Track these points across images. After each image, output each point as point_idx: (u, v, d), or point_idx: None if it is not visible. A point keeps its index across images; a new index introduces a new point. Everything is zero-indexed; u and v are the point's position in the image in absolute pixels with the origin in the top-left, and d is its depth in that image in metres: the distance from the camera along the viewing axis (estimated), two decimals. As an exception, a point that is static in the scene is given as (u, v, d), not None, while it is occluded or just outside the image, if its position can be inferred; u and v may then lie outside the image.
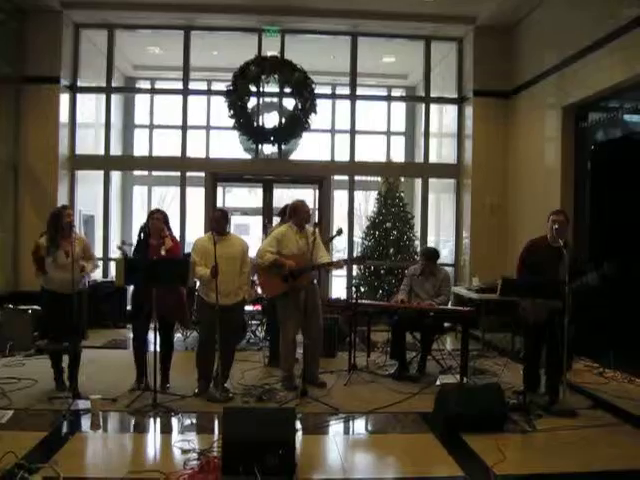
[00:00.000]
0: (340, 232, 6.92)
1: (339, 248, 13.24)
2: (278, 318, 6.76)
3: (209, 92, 12.47)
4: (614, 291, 6.87)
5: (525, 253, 6.29)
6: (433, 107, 11.85)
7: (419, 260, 7.84)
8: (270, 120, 11.18)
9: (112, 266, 10.99)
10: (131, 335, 6.95)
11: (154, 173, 13.13)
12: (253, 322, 9.39)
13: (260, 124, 11.10)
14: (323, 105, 11.58)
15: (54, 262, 6.06)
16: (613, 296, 7.05)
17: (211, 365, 6.29)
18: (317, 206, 11.64)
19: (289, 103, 11.17)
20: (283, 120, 11.10)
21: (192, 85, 11.48)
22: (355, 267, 11.37)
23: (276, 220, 9.24)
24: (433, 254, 7.52)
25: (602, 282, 5.76)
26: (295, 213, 6.65)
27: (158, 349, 6.06)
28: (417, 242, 11.40)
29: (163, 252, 6.14)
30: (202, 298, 6.34)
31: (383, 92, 13.73)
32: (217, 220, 6.30)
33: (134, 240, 6.66)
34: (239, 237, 6.59)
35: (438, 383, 6.62)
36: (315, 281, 6.80)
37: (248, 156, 11.67)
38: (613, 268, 5.61)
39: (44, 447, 4.70)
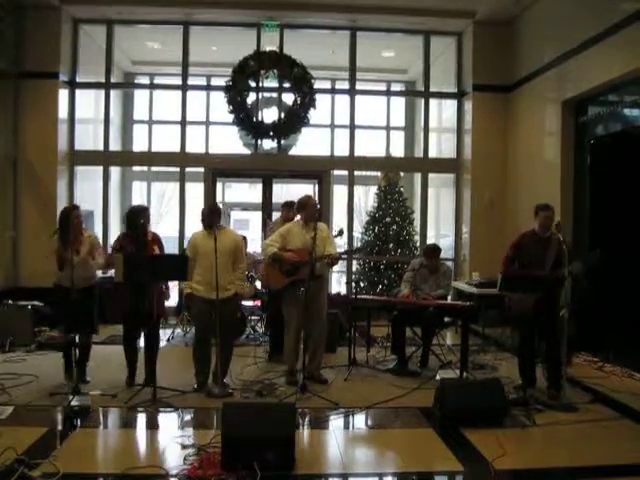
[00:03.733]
0: (341, 233, 6.91)
1: (339, 243, 13.22)
2: (283, 312, 6.77)
3: (208, 87, 12.43)
4: (614, 285, 6.88)
5: (513, 247, 6.34)
6: (432, 102, 11.83)
7: (421, 256, 7.80)
8: (269, 115, 11.16)
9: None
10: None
11: (153, 168, 13.07)
12: (253, 317, 9.38)
13: (259, 119, 11.09)
14: (322, 100, 11.54)
15: (65, 260, 6.09)
16: (613, 290, 7.06)
17: (208, 360, 6.31)
18: (317, 201, 11.61)
19: (288, 98, 11.15)
20: (282, 115, 11.08)
21: (191, 80, 11.45)
22: (355, 262, 11.37)
23: (275, 215, 9.24)
24: (433, 250, 7.51)
25: (587, 270, 5.83)
26: (304, 208, 6.67)
27: (144, 345, 6.09)
28: (417, 237, 11.40)
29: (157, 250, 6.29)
30: (192, 293, 6.34)
31: (382, 87, 13.65)
32: (207, 214, 6.36)
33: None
34: (234, 232, 6.62)
35: (438, 378, 6.60)
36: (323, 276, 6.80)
37: (247, 151, 11.67)
38: (596, 256, 5.69)
39: (44, 443, 4.70)
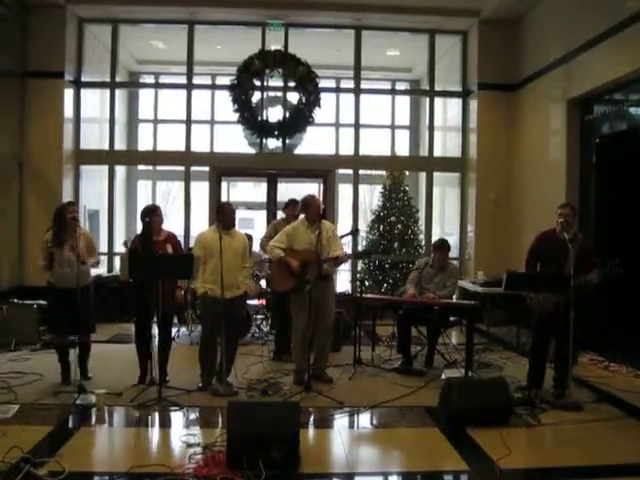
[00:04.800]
0: (356, 232, 6.84)
1: (343, 242, 13.21)
2: (291, 312, 6.76)
3: (213, 86, 12.44)
4: (620, 285, 6.85)
5: (535, 245, 6.32)
6: (437, 100, 11.80)
7: (431, 253, 7.75)
8: (274, 114, 11.17)
9: (117, 261, 11.03)
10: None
11: (158, 168, 13.11)
12: (258, 316, 9.39)
13: (264, 118, 11.09)
14: (327, 99, 11.53)
15: (59, 257, 6.10)
16: (618, 290, 7.03)
17: (214, 359, 6.32)
18: (322, 200, 11.61)
19: (293, 97, 11.15)
20: (287, 114, 11.09)
21: (196, 79, 11.46)
22: (360, 261, 11.36)
23: (280, 214, 9.22)
24: (441, 244, 7.49)
25: (604, 280, 5.78)
26: (307, 208, 6.63)
27: (157, 344, 6.10)
28: (422, 236, 11.39)
29: (170, 249, 6.33)
30: (207, 293, 6.33)
31: (387, 86, 13.67)
32: (230, 213, 6.32)
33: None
34: (241, 232, 6.61)
35: (443, 377, 6.60)
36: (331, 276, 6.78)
37: (252, 150, 11.67)
38: (616, 268, 5.61)
39: (50, 441, 4.72)
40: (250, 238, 8.03)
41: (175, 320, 9.05)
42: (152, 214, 6.41)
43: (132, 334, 8.67)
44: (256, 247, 8.58)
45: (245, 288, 6.44)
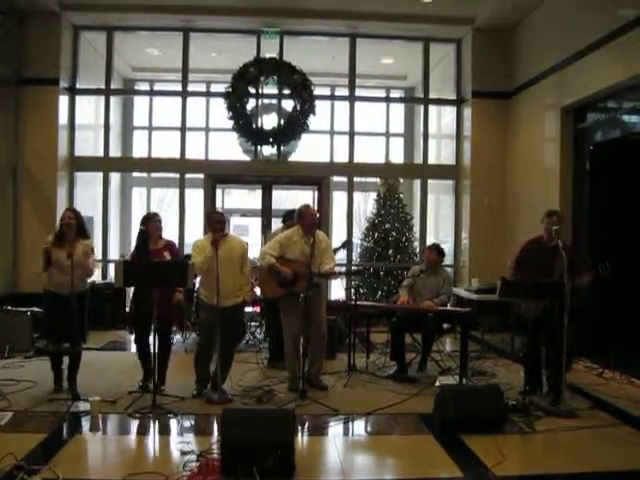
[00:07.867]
0: (345, 245, 6.83)
1: (340, 257, 13.23)
2: (281, 320, 6.75)
3: (208, 94, 12.46)
4: (613, 291, 6.88)
5: (521, 254, 6.34)
6: (432, 108, 11.86)
7: (421, 259, 7.77)
8: (269, 122, 11.19)
9: (111, 268, 11.00)
10: (132, 337, 6.97)
11: (153, 175, 13.14)
12: (252, 323, 9.37)
13: (259, 126, 11.11)
14: (322, 106, 11.57)
15: (55, 262, 6.09)
16: (612, 296, 7.06)
17: (209, 366, 6.30)
18: (316, 207, 11.62)
19: (288, 105, 11.17)
20: (282, 121, 11.10)
21: (191, 87, 11.47)
22: (354, 268, 11.36)
23: (276, 224, 9.19)
24: (435, 246, 7.55)
25: (594, 284, 5.81)
26: (301, 218, 6.61)
27: (156, 350, 6.08)
28: (416, 243, 11.41)
29: (168, 256, 6.32)
30: (201, 299, 6.33)
31: (382, 93, 13.73)
32: (217, 222, 6.26)
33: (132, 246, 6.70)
34: (238, 238, 6.57)
35: (437, 384, 6.58)
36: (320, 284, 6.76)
37: (247, 158, 11.68)
38: (606, 271, 5.64)
39: (44, 449, 4.69)
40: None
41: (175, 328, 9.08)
42: (149, 221, 6.42)
43: (125, 341, 8.72)
44: (252, 255, 8.56)
45: (244, 296, 6.37)
